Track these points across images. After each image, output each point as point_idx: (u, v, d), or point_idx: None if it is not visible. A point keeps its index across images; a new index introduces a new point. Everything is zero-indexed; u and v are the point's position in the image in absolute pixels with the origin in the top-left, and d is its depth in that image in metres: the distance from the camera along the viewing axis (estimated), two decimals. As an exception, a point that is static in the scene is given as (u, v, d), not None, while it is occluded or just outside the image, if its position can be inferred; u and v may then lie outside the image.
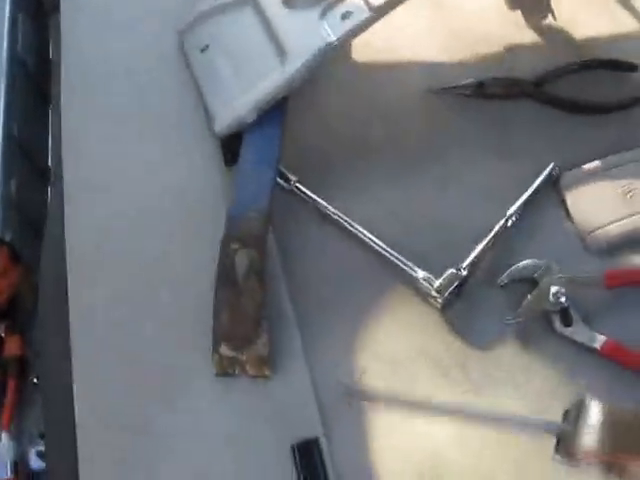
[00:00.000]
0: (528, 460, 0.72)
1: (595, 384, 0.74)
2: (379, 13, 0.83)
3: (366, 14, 0.83)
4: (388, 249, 0.82)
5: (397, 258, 0.81)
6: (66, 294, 0.82)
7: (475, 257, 0.81)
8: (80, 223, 0.88)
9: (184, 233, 0.86)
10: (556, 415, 0.73)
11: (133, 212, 0.88)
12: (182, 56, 0.99)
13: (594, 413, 0.71)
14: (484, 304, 0.80)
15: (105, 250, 0.86)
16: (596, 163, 0.87)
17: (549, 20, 0.99)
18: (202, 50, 0.96)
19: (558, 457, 0.71)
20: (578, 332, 0.76)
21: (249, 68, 0.90)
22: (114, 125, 0.95)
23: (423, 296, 0.80)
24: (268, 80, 0.86)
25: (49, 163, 1.12)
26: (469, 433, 0.73)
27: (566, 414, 0.73)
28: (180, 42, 1.00)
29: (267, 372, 0.76)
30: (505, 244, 0.83)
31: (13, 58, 1.10)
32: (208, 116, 0.92)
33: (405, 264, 0.81)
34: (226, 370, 0.76)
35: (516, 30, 1.00)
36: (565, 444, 0.71)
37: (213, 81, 0.93)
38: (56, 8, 1.08)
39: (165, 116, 0.96)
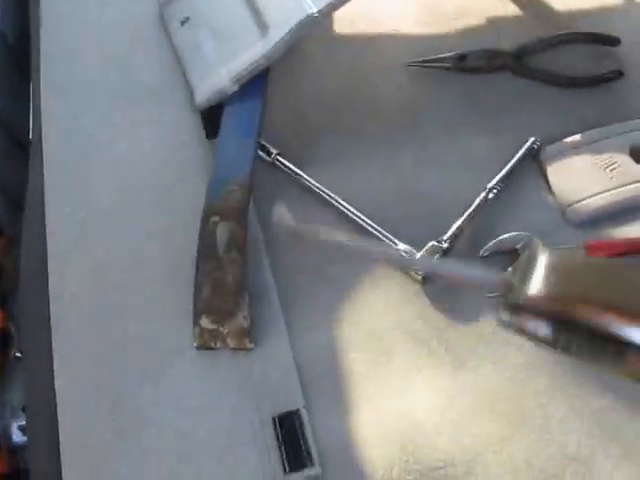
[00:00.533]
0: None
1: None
2: (361, -15, 0.83)
3: (347, -14, 0.83)
4: (369, 221, 0.82)
5: (378, 231, 0.81)
6: (47, 268, 0.82)
7: (456, 230, 0.81)
8: (60, 197, 0.87)
9: (165, 207, 0.86)
10: (536, 385, 0.73)
11: (113, 186, 0.88)
12: (163, 28, 0.98)
13: (542, 259, 0.61)
14: (465, 277, 0.80)
15: (85, 224, 0.85)
16: (577, 136, 0.87)
17: (531, -8, 0.99)
18: (182, 22, 0.95)
19: (504, 316, 0.61)
20: (558, 304, 0.76)
21: (230, 40, 0.89)
22: (95, 98, 0.95)
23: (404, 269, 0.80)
24: (249, 52, 0.86)
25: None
26: (451, 402, 0.73)
27: (514, 268, 0.63)
28: (160, 14, 0.99)
29: (248, 344, 0.76)
30: (486, 217, 0.83)
31: (-8, 31, 1.09)
32: (189, 88, 0.91)
33: (386, 237, 0.81)
34: (207, 343, 0.76)
35: (498, 3, 1.00)
36: (513, 295, 0.60)
37: (193, 54, 0.92)
38: (35, -20, 1.07)
39: (146, 88, 0.95)
